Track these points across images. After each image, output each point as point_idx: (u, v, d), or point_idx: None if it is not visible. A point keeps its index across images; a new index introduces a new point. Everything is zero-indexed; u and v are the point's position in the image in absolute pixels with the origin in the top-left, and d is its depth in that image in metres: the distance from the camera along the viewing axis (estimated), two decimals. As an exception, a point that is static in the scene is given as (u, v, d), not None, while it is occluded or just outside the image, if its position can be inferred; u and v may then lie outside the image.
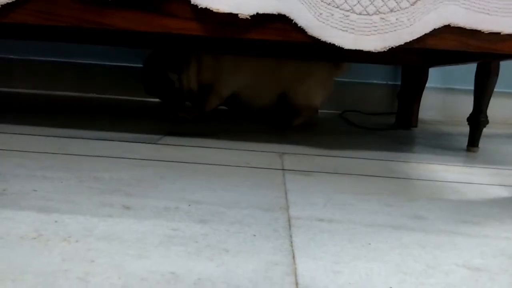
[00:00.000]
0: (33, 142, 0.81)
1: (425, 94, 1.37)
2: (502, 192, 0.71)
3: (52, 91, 1.61)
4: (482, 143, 1.03)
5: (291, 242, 0.46)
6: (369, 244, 0.47)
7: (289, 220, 0.52)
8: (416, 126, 1.32)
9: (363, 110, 1.57)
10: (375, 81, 1.64)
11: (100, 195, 0.56)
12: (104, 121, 1.10)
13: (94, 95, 1.61)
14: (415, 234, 0.51)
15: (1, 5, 0.58)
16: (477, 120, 0.98)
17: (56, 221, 0.48)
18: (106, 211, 0.51)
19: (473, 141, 1.00)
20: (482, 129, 1.00)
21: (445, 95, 1.60)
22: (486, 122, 0.99)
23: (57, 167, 0.66)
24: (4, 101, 1.37)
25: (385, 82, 1.64)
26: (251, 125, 1.22)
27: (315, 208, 0.57)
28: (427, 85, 1.35)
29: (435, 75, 1.54)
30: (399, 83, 1.51)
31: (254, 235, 0.48)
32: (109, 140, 0.87)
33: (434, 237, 0.50)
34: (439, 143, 1.12)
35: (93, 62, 1.61)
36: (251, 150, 0.87)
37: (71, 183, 0.60)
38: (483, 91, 0.97)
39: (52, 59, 1.60)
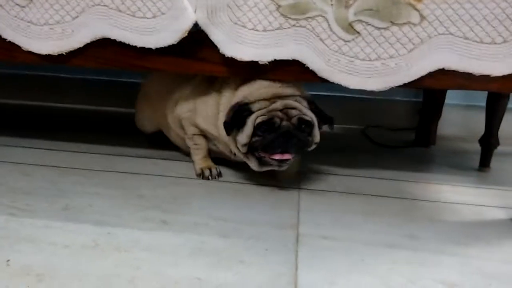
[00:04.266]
0: (85, 160, 0.93)
1: (447, 110, 1.43)
2: (500, 214, 0.77)
3: (102, 106, 1.77)
4: (495, 161, 1.08)
5: (296, 257, 0.56)
6: (363, 260, 0.56)
7: (297, 237, 0.62)
8: (434, 144, 1.37)
9: (387, 125, 1.64)
10: (397, 98, 1.70)
11: (143, 211, 0.68)
12: (141, 138, 1.22)
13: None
14: (405, 252, 0.59)
15: (65, 53, 0.72)
16: (488, 143, 1.04)
17: (109, 233, 0.59)
18: (148, 225, 0.63)
19: (484, 162, 1.06)
20: (493, 150, 1.05)
21: (466, 112, 1.64)
22: (497, 144, 1.04)
23: (106, 185, 0.78)
24: (57, 117, 1.53)
25: (408, 99, 1.70)
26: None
27: (323, 227, 0.66)
28: (449, 101, 1.40)
29: (456, 93, 1.59)
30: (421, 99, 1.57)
31: (266, 249, 0.58)
32: (148, 158, 0.99)
33: (422, 255, 0.59)
34: (453, 162, 1.17)
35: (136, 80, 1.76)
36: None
37: (118, 200, 0.72)
38: (493, 114, 1.03)
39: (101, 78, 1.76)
